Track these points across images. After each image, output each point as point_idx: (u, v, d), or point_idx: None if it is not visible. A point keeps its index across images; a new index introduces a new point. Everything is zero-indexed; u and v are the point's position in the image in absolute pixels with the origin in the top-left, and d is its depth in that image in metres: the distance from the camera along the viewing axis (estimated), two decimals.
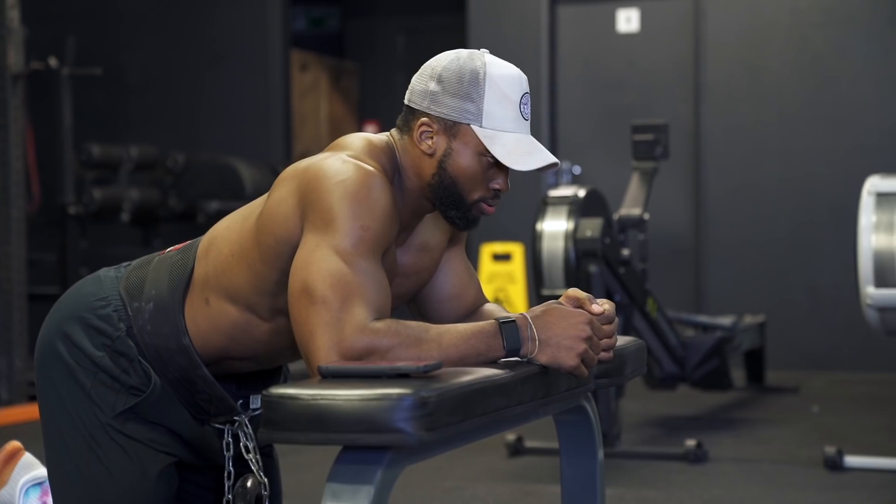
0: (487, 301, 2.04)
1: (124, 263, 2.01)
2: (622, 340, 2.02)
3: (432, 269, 1.96)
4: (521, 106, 1.82)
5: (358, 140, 1.86)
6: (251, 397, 1.98)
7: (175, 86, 7.67)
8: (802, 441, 4.41)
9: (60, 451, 1.93)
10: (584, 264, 4.16)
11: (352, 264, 1.68)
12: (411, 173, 1.85)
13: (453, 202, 1.83)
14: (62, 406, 1.92)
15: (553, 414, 1.97)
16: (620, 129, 6.43)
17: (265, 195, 1.87)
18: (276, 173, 6.24)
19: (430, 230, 1.94)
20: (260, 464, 1.96)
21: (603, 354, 1.78)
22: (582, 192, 4.32)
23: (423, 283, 1.95)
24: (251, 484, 1.95)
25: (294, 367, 2.07)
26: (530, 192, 6.76)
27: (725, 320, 5.24)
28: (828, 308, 6.41)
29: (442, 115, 1.82)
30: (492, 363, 1.70)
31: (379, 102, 8.56)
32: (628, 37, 6.91)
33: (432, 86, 1.82)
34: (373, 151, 1.83)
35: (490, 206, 1.84)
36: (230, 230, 1.90)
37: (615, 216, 4.47)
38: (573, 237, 4.19)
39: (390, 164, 1.84)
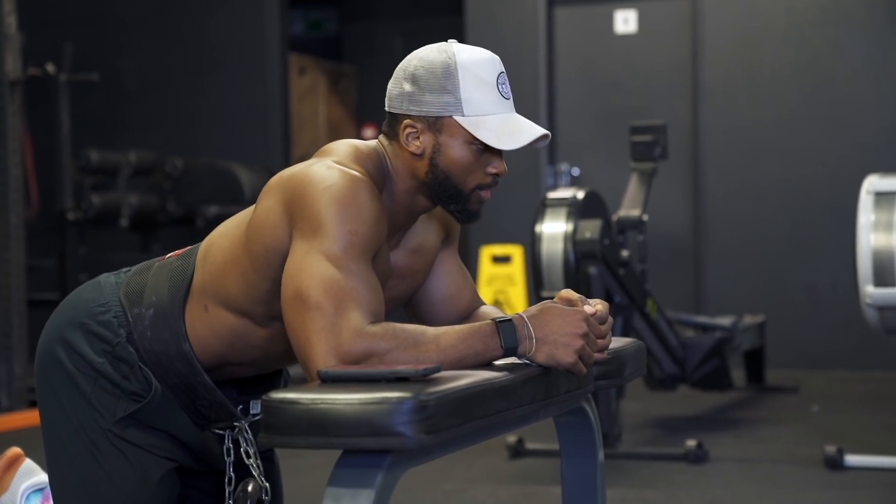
0: (483, 303, 2.04)
1: (124, 269, 2.01)
2: (622, 342, 2.02)
3: (426, 270, 1.96)
4: (499, 86, 1.82)
5: (344, 146, 1.87)
6: (251, 402, 1.98)
7: (173, 90, 7.67)
8: (803, 440, 4.42)
9: (61, 457, 1.93)
10: (583, 266, 4.16)
11: (343, 269, 1.69)
12: (405, 176, 1.85)
13: (451, 196, 1.84)
14: (62, 412, 1.93)
15: (553, 416, 1.97)
16: (619, 130, 6.44)
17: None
18: None
19: (424, 232, 1.94)
20: (261, 468, 1.97)
21: (597, 355, 1.78)
22: (581, 194, 4.32)
23: (417, 285, 1.96)
24: (252, 488, 1.95)
25: (294, 370, 2.08)
26: (529, 194, 6.77)
27: (725, 320, 5.25)
28: (827, 307, 6.41)
29: (423, 114, 1.82)
30: (490, 363, 1.71)
31: (377, 106, 8.55)
32: (626, 38, 6.91)
33: (408, 87, 1.83)
34: (359, 157, 1.84)
35: (488, 192, 1.84)
36: (224, 237, 1.90)
37: (614, 217, 4.47)
38: (572, 239, 4.19)
39: (377, 170, 1.84)
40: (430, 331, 1.69)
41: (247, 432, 1.95)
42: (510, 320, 1.72)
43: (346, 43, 9.13)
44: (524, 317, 1.73)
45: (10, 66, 5.39)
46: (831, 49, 6.50)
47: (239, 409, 1.96)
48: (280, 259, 1.77)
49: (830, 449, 3.90)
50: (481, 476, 3.95)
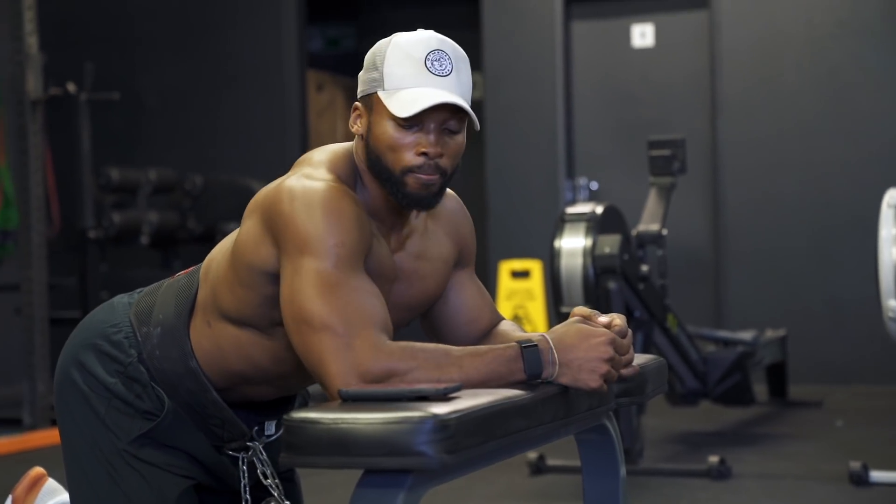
0: (502, 318, 2.03)
1: (138, 290, 2.02)
2: (643, 358, 2.01)
3: (437, 279, 1.92)
4: (428, 62, 1.76)
5: (319, 154, 1.86)
6: (266, 423, 1.98)
7: (192, 108, 7.71)
8: (827, 456, 4.39)
9: (79, 478, 1.95)
10: (602, 281, 4.15)
11: (339, 284, 1.68)
12: (363, 167, 1.83)
13: (386, 179, 1.78)
14: (79, 433, 1.94)
15: (574, 433, 1.97)
16: (637, 143, 6.42)
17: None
18: None
19: (430, 239, 1.91)
20: (280, 488, 1.96)
21: (624, 371, 1.77)
22: (600, 209, 4.31)
23: (429, 293, 1.92)
24: None
25: (313, 389, 2.07)
26: (548, 209, 6.76)
27: (746, 335, 5.22)
28: (849, 321, 6.37)
29: (360, 94, 1.82)
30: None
31: None
32: (643, 51, 6.91)
33: (360, 73, 1.84)
34: (332, 162, 1.82)
35: (425, 174, 1.76)
36: (220, 253, 1.91)
37: (633, 232, 4.46)
38: (592, 254, 4.18)
39: (349, 170, 1.83)
40: (454, 352, 1.68)
41: (261, 453, 1.95)
42: (535, 345, 1.70)
43: (363, 59, 9.13)
44: (549, 339, 1.71)
45: (31, 85, 5.42)
46: (850, 61, 6.47)
47: (254, 430, 1.96)
48: (266, 277, 1.77)
49: (855, 465, 3.87)
50: (502, 493, 3.94)
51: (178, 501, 1.91)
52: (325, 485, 3.68)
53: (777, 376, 5.72)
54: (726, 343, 5.15)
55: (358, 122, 1.83)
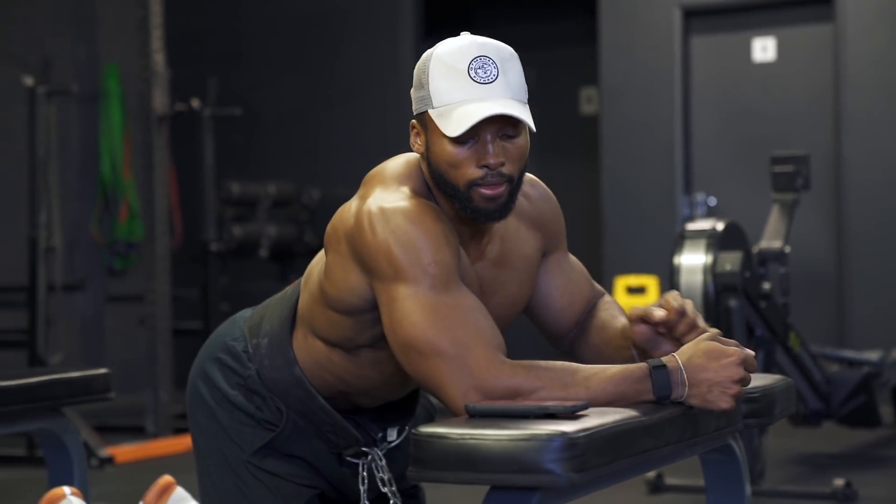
0: (602, 294, 1.97)
1: (262, 303, 2.05)
2: (770, 379, 1.98)
3: (520, 284, 1.87)
4: (472, 71, 1.71)
5: (391, 167, 1.81)
6: (388, 430, 1.99)
7: (310, 123, 7.83)
8: None
9: (209, 488, 1.99)
10: (723, 299, 4.09)
11: (440, 306, 1.65)
12: (431, 183, 1.79)
13: (453, 195, 1.74)
14: (207, 444, 1.98)
15: (699, 453, 1.94)
16: (756, 159, 6.32)
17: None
18: None
19: (512, 241, 1.86)
20: (397, 496, 1.97)
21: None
22: (720, 225, 4.25)
23: (514, 300, 1.87)
24: None
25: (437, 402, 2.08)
26: (664, 224, 6.69)
27: (872, 355, 5.09)
28: None
29: (415, 112, 1.78)
30: None
31: None
32: (764, 66, 6.79)
33: (411, 92, 1.80)
34: (406, 176, 1.79)
35: (489, 188, 1.72)
36: (313, 269, 1.90)
37: (755, 249, 4.39)
38: (712, 271, 4.12)
39: (422, 181, 1.79)
40: (580, 372, 1.65)
41: (380, 459, 1.96)
42: (664, 366, 1.65)
43: None
44: (678, 360, 1.66)
45: (157, 102, 5.56)
46: None
47: (378, 436, 1.98)
48: (358, 304, 1.76)
49: None
50: None
51: None
52: (443, 498, 3.69)
53: None
54: (851, 363, 5.03)
55: (417, 140, 1.79)
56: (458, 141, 1.71)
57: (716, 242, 4.19)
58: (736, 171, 6.84)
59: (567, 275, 1.93)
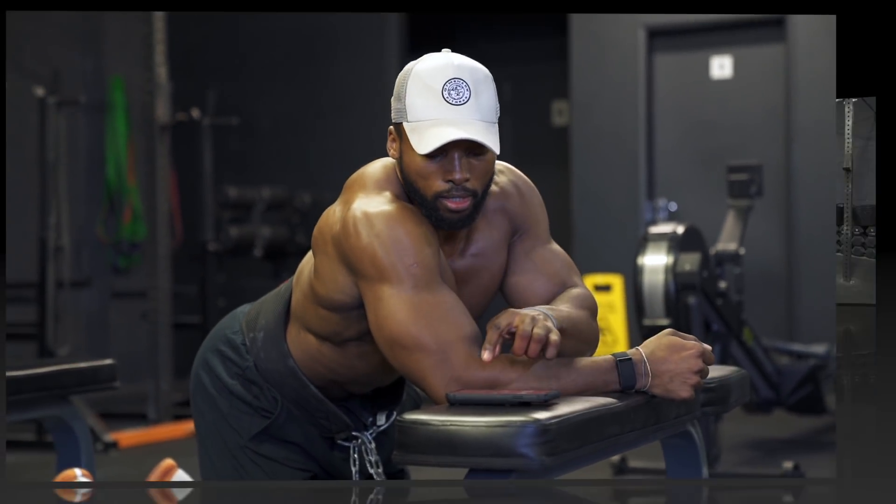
0: (575, 285, 1.89)
1: (259, 300, 2.06)
2: (726, 370, 2.00)
3: (491, 272, 1.84)
4: (445, 92, 1.70)
5: (371, 172, 1.81)
6: (378, 415, 2.00)
7: (302, 132, 7.82)
8: None
9: (210, 471, 2.00)
10: (683, 296, 4.11)
11: (421, 304, 1.66)
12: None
13: (421, 202, 1.74)
14: (208, 431, 1.99)
15: (661, 438, 1.96)
16: (714, 168, 6.35)
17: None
18: None
19: (486, 231, 1.84)
20: (384, 479, 1.98)
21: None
22: (681, 229, 4.27)
23: (486, 288, 1.85)
24: None
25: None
26: (629, 227, 6.72)
27: (819, 348, 5.12)
28: None
29: (392, 121, 1.78)
30: None
31: None
32: (722, 82, 6.83)
33: (391, 100, 1.80)
34: (386, 180, 1.78)
35: (453, 201, 1.71)
36: (303, 268, 1.91)
37: (712, 251, 4.41)
38: (673, 271, 4.15)
39: (401, 184, 1.79)
40: (553, 364, 1.65)
41: (369, 442, 1.96)
42: (629, 359, 1.69)
43: None
44: (642, 353, 1.70)
45: (160, 112, 5.55)
46: None
47: (368, 420, 1.98)
48: (346, 302, 1.76)
49: None
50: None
51: None
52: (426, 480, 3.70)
53: None
54: (799, 356, 5.06)
55: (393, 146, 1.79)
56: (428, 156, 1.71)
57: (676, 245, 4.22)
58: (695, 179, 6.87)
59: (534, 262, 1.86)
